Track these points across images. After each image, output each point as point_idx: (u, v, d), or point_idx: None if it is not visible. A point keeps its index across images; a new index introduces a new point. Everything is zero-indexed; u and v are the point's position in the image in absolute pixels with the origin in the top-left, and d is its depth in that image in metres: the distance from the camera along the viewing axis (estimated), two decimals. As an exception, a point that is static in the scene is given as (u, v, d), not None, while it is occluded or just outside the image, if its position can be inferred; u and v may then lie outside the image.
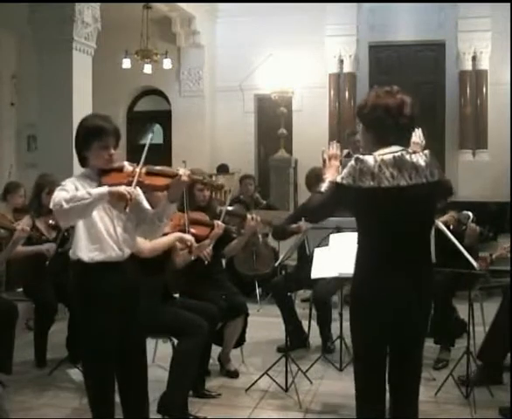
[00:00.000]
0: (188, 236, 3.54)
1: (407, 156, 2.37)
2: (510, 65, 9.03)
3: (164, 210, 2.79)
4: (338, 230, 3.95)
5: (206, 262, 3.83)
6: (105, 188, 2.54)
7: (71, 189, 2.61)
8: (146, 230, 2.88)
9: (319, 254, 4.06)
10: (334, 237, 3.89)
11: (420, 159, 2.38)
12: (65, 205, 2.48)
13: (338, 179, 2.40)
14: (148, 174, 2.72)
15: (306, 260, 4.42)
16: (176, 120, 10.59)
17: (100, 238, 2.67)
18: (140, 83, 10.67)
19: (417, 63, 10.00)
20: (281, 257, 4.29)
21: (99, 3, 7.03)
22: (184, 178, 2.69)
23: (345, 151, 8.49)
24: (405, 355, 2.48)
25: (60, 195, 2.54)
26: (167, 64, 9.80)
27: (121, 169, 2.72)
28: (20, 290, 4.70)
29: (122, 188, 2.53)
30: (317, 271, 4.05)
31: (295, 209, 5.30)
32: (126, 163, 2.75)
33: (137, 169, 2.66)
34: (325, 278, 4.30)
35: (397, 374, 2.49)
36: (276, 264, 4.38)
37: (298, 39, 9.65)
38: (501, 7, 8.86)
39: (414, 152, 2.42)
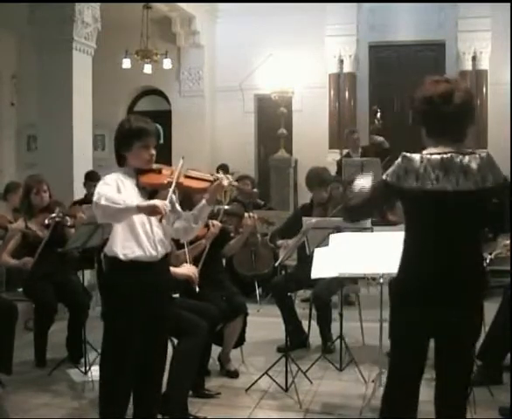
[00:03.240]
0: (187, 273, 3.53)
1: (457, 158, 2.26)
2: (510, 65, 9.03)
3: (201, 212, 2.86)
4: (338, 230, 3.95)
5: (196, 288, 3.64)
6: (134, 204, 2.58)
7: (112, 184, 2.70)
8: (180, 231, 2.92)
9: (319, 254, 4.06)
10: (334, 237, 3.88)
11: (473, 161, 2.26)
12: (103, 202, 2.56)
13: (384, 176, 2.33)
14: (187, 177, 2.80)
15: (306, 260, 4.42)
16: (176, 120, 10.59)
17: (136, 237, 2.71)
18: (140, 83, 10.67)
19: (417, 63, 9.97)
20: (281, 257, 4.29)
21: (99, 3, 7.03)
22: (224, 183, 2.80)
23: (345, 151, 8.53)
24: (451, 354, 2.37)
25: (104, 189, 2.62)
26: (167, 64, 9.80)
27: (159, 171, 2.80)
28: (20, 290, 4.70)
29: (157, 202, 2.57)
30: (317, 271, 4.05)
31: (287, 220, 5.28)
32: (156, 165, 2.81)
33: (176, 172, 2.74)
34: (325, 278, 4.30)
35: (442, 371, 2.41)
36: (276, 264, 4.39)
37: (298, 39, 9.65)
38: (501, 7, 8.85)
39: (470, 153, 2.30)
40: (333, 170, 7.41)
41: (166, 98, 10.81)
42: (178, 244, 3.77)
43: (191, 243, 3.81)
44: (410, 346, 2.38)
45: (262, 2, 9.70)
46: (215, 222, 3.94)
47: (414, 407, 2.42)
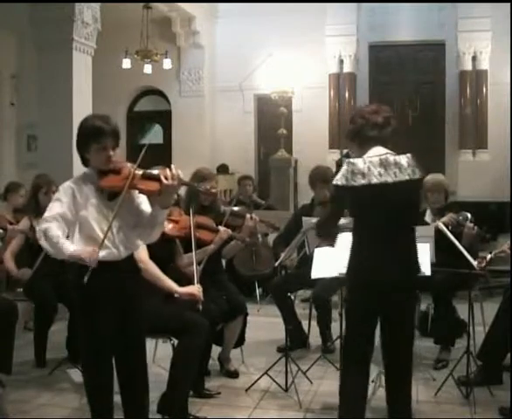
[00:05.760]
0: (185, 293, 3.43)
1: (391, 158, 2.78)
2: (510, 65, 9.03)
3: (156, 216, 2.79)
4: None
5: (200, 306, 3.41)
6: (68, 250, 2.60)
7: (65, 200, 2.70)
8: (141, 234, 2.87)
9: (319, 254, 4.05)
10: (334, 237, 3.88)
11: (403, 159, 2.79)
12: (43, 241, 2.65)
13: (334, 182, 2.82)
14: (144, 177, 2.72)
15: (306, 260, 4.41)
16: (176, 120, 10.59)
17: (95, 239, 2.67)
18: (140, 83, 10.67)
19: (417, 63, 9.99)
20: (281, 257, 4.29)
21: (99, 3, 7.02)
22: (169, 182, 2.66)
23: (345, 151, 8.53)
24: (396, 322, 2.87)
25: (50, 216, 2.68)
26: (167, 64, 9.80)
27: (118, 171, 2.74)
28: (20, 290, 4.70)
29: (85, 255, 2.57)
30: (317, 271, 4.04)
31: (287, 224, 5.20)
32: (129, 165, 2.76)
33: (131, 174, 2.68)
34: (325, 278, 4.30)
35: (389, 345, 2.91)
36: (276, 264, 4.39)
37: (298, 39, 9.65)
38: (501, 7, 8.85)
39: (398, 154, 2.80)
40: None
41: (166, 98, 10.81)
42: (186, 248, 3.78)
43: (199, 247, 3.79)
44: (361, 326, 2.87)
45: (262, 2, 9.71)
46: (225, 228, 3.94)
47: (366, 376, 2.90)
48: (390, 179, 2.74)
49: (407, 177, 2.75)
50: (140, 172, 2.72)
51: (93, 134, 2.70)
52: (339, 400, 2.91)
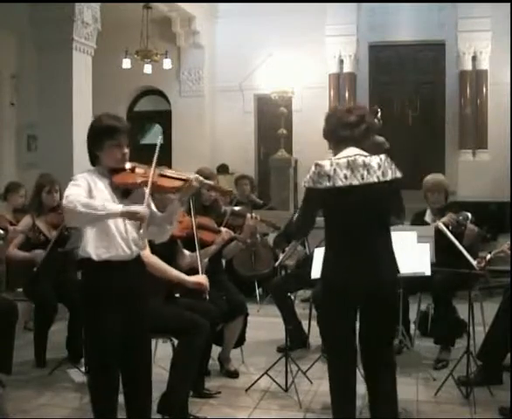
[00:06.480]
0: (190, 282, 3.52)
1: (360, 159, 2.73)
2: (510, 65, 9.03)
3: (173, 213, 2.82)
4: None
5: (207, 296, 3.55)
6: (119, 207, 2.55)
7: (83, 186, 2.64)
8: (155, 232, 2.88)
9: (319, 254, 4.05)
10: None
11: (373, 161, 2.74)
12: (80, 208, 2.49)
13: (302, 183, 2.81)
14: (161, 176, 2.76)
15: (306, 260, 4.41)
16: (176, 120, 10.59)
17: (109, 237, 2.68)
18: (140, 83, 10.67)
19: (417, 63, 9.99)
20: (281, 256, 4.29)
21: (99, 3, 7.03)
22: (195, 183, 2.75)
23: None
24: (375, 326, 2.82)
25: (75, 193, 2.55)
26: (167, 64, 9.80)
27: (133, 170, 2.76)
28: (20, 290, 4.70)
29: (138, 208, 2.56)
30: (317, 271, 4.03)
31: (288, 223, 5.19)
32: (129, 165, 2.77)
33: (151, 170, 2.70)
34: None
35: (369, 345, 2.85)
36: (276, 264, 4.38)
37: (298, 39, 9.65)
38: (501, 7, 8.85)
39: (370, 155, 2.75)
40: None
41: (166, 98, 10.82)
42: (187, 248, 3.78)
43: (201, 247, 3.80)
44: (336, 326, 2.83)
45: (262, 2, 9.71)
46: (227, 230, 3.94)
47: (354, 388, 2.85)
48: (356, 181, 2.69)
49: (375, 179, 2.69)
50: (157, 171, 2.76)
51: (108, 132, 2.72)
52: (331, 400, 2.90)
